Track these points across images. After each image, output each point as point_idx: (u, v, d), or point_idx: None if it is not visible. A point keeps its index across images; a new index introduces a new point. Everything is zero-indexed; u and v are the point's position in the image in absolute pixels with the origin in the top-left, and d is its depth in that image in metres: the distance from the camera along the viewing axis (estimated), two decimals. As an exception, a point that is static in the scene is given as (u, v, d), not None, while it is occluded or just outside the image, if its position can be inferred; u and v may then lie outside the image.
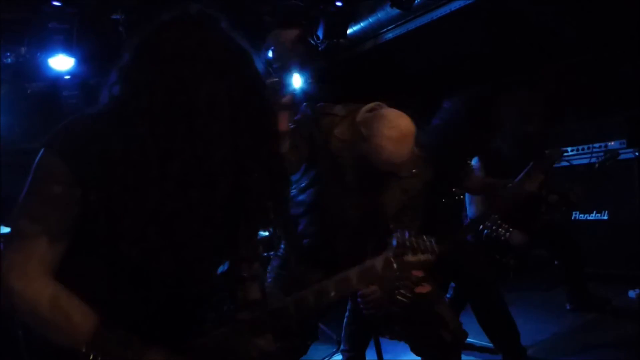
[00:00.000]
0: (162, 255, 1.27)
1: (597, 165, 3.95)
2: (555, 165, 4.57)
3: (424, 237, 1.63)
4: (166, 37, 1.28)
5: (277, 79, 1.91)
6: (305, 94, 5.19)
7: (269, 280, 2.41)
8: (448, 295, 3.58)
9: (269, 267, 2.47)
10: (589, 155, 4.78)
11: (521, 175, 3.13)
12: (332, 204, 2.24)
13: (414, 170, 2.34)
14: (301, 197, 2.29)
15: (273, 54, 1.95)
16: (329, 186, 2.22)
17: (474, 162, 3.66)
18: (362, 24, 5.59)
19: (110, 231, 1.24)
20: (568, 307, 4.01)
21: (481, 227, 3.32)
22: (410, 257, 1.60)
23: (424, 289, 2.23)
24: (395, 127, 2.10)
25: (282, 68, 1.91)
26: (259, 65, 1.38)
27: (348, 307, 2.94)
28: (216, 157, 1.24)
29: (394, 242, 1.60)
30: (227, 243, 1.44)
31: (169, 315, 1.36)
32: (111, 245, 1.25)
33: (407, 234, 1.60)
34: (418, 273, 2.21)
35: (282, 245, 2.45)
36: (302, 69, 1.78)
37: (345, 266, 2.26)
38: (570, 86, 5.18)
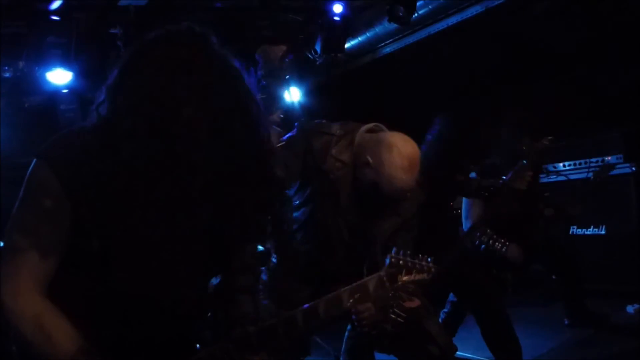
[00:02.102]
0: (149, 274, 1.26)
1: (592, 177, 3.97)
2: (553, 179, 4.60)
3: (420, 255, 1.60)
4: (151, 57, 1.25)
5: (265, 96, 1.92)
6: (299, 110, 5.22)
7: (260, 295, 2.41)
8: (445, 310, 3.57)
9: (260, 282, 2.46)
10: (586, 170, 4.80)
11: (510, 174, 3.15)
12: (326, 222, 2.23)
13: (408, 194, 2.33)
14: (295, 215, 2.28)
15: (261, 70, 1.94)
16: (323, 205, 2.22)
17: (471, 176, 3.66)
18: (359, 39, 5.62)
19: (97, 248, 1.23)
20: (566, 323, 4.00)
21: (477, 241, 3.32)
22: (403, 277, 1.57)
23: (413, 303, 2.22)
24: (405, 156, 2.08)
25: (271, 84, 1.90)
26: (251, 83, 1.35)
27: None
28: (199, 180, 1.22)
29: (387, 261, 1.57)
30: (217, 260, 1.43)
31: (158, 335, 1.35)
32: (99, 262, 1.24)
33: (401, 253, 1.57)
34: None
35: (273, 260, 2.44)
36: (290, 85, 1.79)
37: (335, 284, 2.26)
38: (567, 101, 5.21)
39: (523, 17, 4.86)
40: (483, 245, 3.35)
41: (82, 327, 1.25)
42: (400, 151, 2.08)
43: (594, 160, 4.81)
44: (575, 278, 3.96)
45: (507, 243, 3.34)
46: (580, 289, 4.00)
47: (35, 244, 1.23)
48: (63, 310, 1.26)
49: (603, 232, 4.69)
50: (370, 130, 2.24)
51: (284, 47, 1.92)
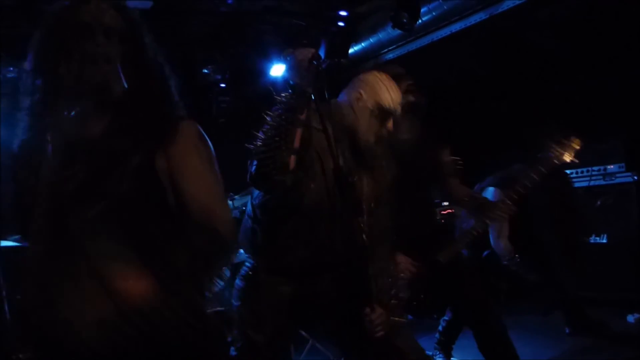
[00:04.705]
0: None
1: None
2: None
3: None
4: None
5: (294, 96, 1.94)
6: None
7: (238, 303, 2.29)
8: (446, 317, 3.55)
9: (236, 292, 2.33)
10: (588, 178, 4.81)
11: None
12: (312, 205, 2.17)
13: (383, 163, 2.34)
14: (276, 202, 2.22)
15: (289, 72, 1.98)
16: (310, 186, 2.16)
17: (491, 191, 3.67)
18: (363, 44, 5.64)
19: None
20: (567, 332, 3.99)
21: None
22: None
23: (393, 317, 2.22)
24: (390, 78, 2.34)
25: (299, 86, 1.94)
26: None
27: None
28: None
29: None
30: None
31: None
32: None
33: None
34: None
35: (248, 265, 2.35)
36: (316, 87, 1.84)
37: (318, 275, 2.21)
38: (569, 109, 5.21)
39: (525, 24, 4.87)
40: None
41: None
42: (386, 75, 2.36)
43: (595, 168, 4.81)
44: (567, 287, 3.96)
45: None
46: (575, 297, 4.00)
47: None
48: None
49: (605, 241, 4.68)
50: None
51: (312, 50, 1.95)
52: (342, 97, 2.37)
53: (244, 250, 2.35)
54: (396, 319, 2.21)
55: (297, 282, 2.22)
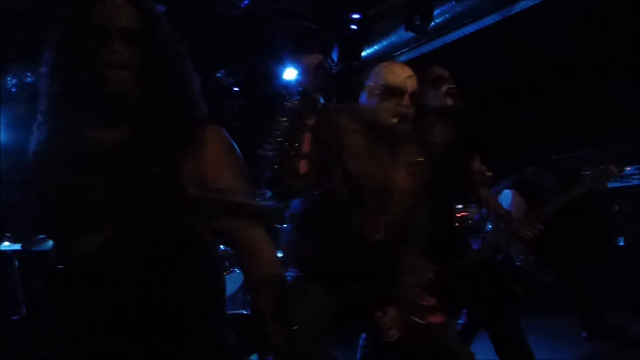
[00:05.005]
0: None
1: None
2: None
3: None
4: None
5: (302, 100, 1.94)
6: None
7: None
8: (461, 321, 3.53)
9: None
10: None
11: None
12: (339, 206, 2.17)
13: (420, 159, 2.31)
14: (304, 207, 2.22)
15: (298, 77, 1.99)
16: (335, 187, 2.16)
17: (507, 194, 3.64)
18: (375, 47, 5.64)
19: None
20: (584, 335, 3.95)
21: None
22: None
23: (437, 319, 2.19)
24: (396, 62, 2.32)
25: (307, 91, 1.95)
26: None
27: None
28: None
29: None
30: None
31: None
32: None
33: None
34: (430, 301, 2.20)
35: (291, 274, 2.34)
36: (324, 92, 1.84)
37: (350, 282, 2.20)
38: (583, 110, 5.17)
39: (539, 26, 4.84)
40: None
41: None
42: (389, 61, 2.35)
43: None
44: (583, 290, 3.91)
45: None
46: (592, 301, 3.95)
47: None
48: None
49: (621, 244, 4.63)
50: None
51: (319, 56, 1.97)
52: (362, 99, 2.36)
53: (288, 261, 2.34)
54: (432, 319, 2.18)
55: (336, 288, 2.20)
